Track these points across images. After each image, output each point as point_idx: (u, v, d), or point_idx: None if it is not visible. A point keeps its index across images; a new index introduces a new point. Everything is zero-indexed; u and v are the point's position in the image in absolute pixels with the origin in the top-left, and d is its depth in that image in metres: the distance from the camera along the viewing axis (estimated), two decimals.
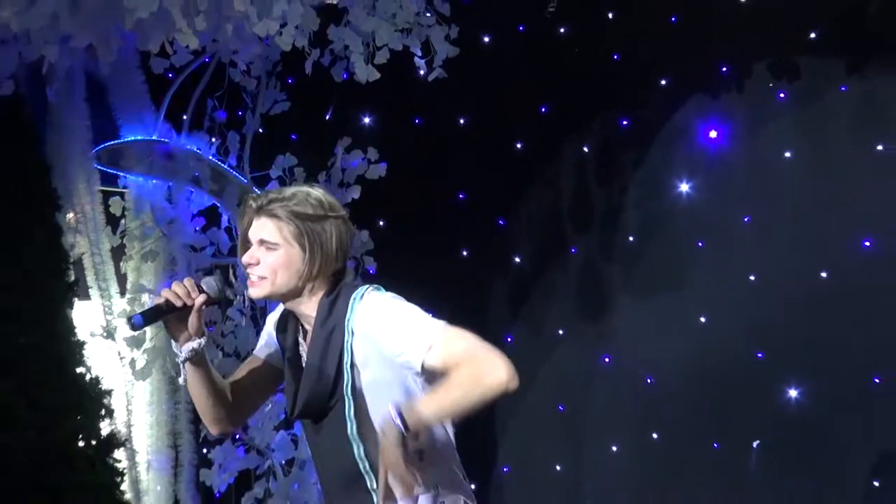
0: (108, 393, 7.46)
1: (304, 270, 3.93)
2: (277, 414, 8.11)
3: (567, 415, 7.56)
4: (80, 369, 7.32)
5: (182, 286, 3.92)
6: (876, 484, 6.70)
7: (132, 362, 8.18)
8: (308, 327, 4.03)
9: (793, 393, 6.97)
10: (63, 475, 6.99)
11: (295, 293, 3.98)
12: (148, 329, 8.13)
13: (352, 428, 3.89)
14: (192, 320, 3.92)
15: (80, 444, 7.18)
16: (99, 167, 8.27)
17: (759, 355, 7.04)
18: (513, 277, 7.82)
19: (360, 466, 3.93)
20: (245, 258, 4.00)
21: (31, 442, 6.86)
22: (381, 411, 3.73)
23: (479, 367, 3.69)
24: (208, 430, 4.25)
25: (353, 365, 3.85)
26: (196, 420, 8.19)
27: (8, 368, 6.90)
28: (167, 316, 3.91)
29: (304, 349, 4.04)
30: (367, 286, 3.98)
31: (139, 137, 8.35)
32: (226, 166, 8.30)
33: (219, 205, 8.41)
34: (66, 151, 7.95)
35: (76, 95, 8.07)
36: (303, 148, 8.12)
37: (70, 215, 7.94)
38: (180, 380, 4.08)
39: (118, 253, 8.35)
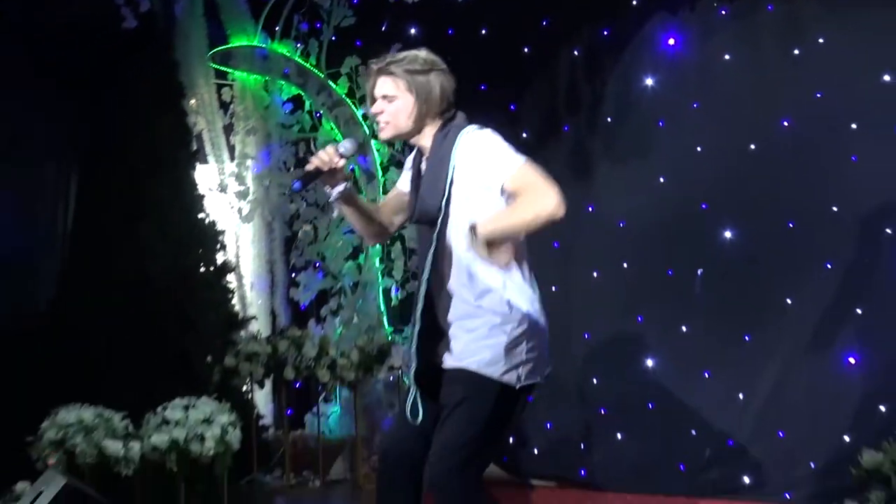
0: (222, 233, 7.60)
1: (416, 113, 4.02)
2: (346, 248, 8.20)
3: (560, 249, 7.61)
4: (201, 215, 7.46)
5: (325, 153, 4.00)
6: (788, 301, 6.76)
7: (239, 210, 8.29)
8: (424, 153, 4.12)
9: (728, 234, 7.01)
10: (189, 293, 7.11)
11: (413, 132, 4.08)
12: (251, 184, 8.24)
13: (440, 230, 3.99)
14: (338, 175, 4.02)
15: (202, 269, 7.33)
16: (213, 66, 8.33)
17: (704, 206, 7.08)
18: (520, 148, 7.82)
19: (429, 260, 4.00)
20: (373, 110, 4.09)
21: (166, 268, 6.98)
22: (458, 222, 3.90)
23: (536, 197, 3.79)
24: (366, 241, 4.40)
25: (451, 184, 3.93)
26: (287, 251, 8.33)
27: (150, 215, 7.02)
28: (318, 177, 4.01)
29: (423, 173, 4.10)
30: (472, 125, 4.09)
31: (243, 43, 8.39)
32: (307, 64, 8.33)
33: (303, 93, 8.47)
34: (188, 54, 8.05)
35: (196, 12, 8.15)
36: (365, 52, 8.14)
37: (192, 101, 8.04)
38: (334, 214, 4.27)
39: (228, 129, 8.43)
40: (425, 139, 4.07)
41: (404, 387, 4.02)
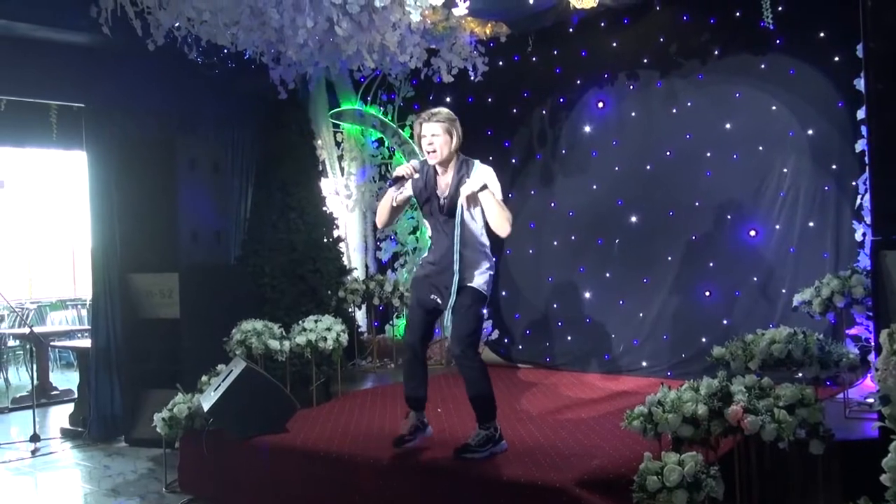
0: (337, 218, 7.63)
1: (452, 145, 4.16)
2: (408, 227, 8.17)
3: (535, 228, 7.55)
4: (324, 208, 7.49)
5: (408, 167, 4.18)
6: (669, 258, 6.72)
7: (346, 205, 8.33)
8: (441, 173, 4.20)
9: (633, 219, 6.97)
10: (318, 253, 7.16)
11: (448, 158, 4.17)
12: (353, 190, 8.23)
13: (459, 219, 4.12)
14: (405, 182, 4.26)
15: (325, 240, 7.37)
16: (331, 120, 8.32)
17: (619, 202, 7.04)
18: (510, 169, 7.74)
19: (456, 240, 4.11)
20: (425, 143, 4.16)
21: (304, 239, 7.03)
22: (469, 213, 4.13)
23: (507, 216, 4.06)
24: (383, 225, 4.48)
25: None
26: (374, 230, 8.38)
27: (295, 207, 7.08)
28: (401, 181, 4.20)
29: (440, 182, 4.21)
30: (478, 161, 4.22)
31: (348, 106, 8.38)
32: (387, 119, 8.32)
33: (383, 136, 8.46)
34: (316, 113, 8.12)
35: (320, 88, 8.19)
36: (420, 112, 8.03)
37: (319, 141, 8.06)
38: (392, 203, 4.32)
39: (340, 158, 8.45)
40: (449, 164, 4.16)
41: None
